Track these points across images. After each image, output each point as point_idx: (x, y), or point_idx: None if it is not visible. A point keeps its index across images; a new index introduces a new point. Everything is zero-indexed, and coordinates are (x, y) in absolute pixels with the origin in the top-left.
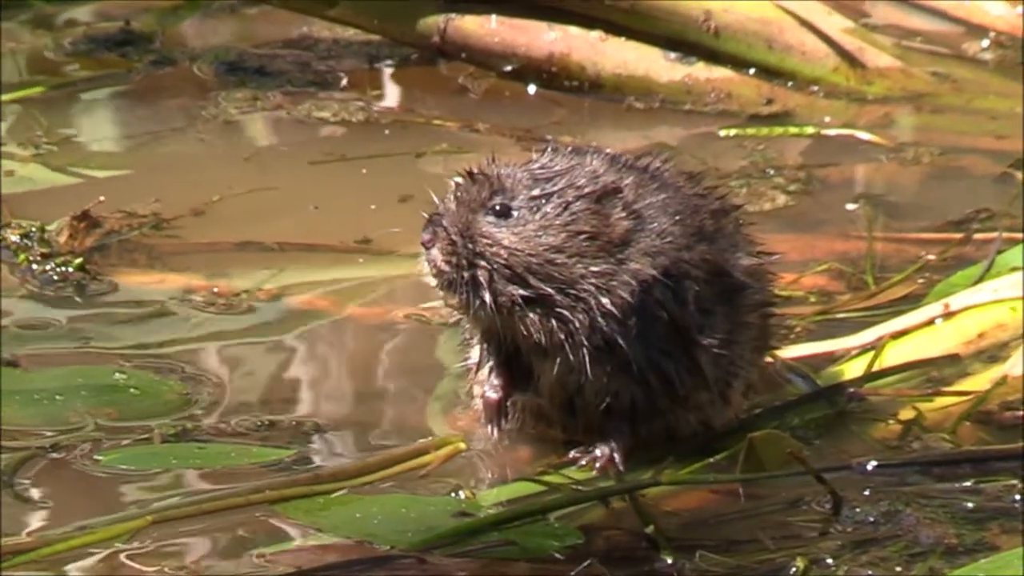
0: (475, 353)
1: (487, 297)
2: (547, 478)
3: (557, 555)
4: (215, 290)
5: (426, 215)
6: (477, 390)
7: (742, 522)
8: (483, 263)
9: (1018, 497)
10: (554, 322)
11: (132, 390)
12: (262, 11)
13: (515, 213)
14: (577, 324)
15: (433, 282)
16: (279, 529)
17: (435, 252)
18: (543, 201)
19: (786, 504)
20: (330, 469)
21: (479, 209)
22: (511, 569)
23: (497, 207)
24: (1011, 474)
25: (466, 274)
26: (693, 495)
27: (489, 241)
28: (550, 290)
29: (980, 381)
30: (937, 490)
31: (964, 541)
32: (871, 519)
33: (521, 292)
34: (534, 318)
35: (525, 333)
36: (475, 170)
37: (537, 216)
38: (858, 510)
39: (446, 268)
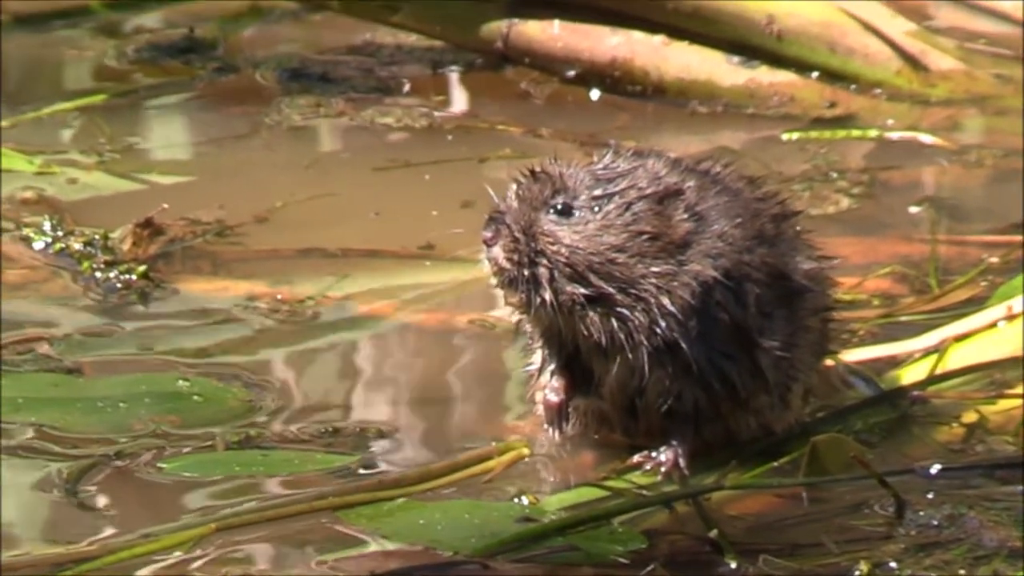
0: (537, 358)
1: (548, 295)
2: (610, 483)
3: (621, 560)
4: (279, 297)
5: (488, 215)
6: (539, 396)
7: (805, 526)
8: (544, 261)
9: None
10: (615, 322)
11: (196, 397)
12: (325, 17)
13: (577, 212)
14: (637, 324)
15: (494, 280)
16: (343, 535)
17: (496, 250)
18: (605, 201)
19: (849, 508)
20: (393, 475)
21: (541, 207)
22: (575, 573)
23: (559, 206)
24: None
25: (527, 272)
26: (756, 499)
27: (551, 239)
28: (611, 289)
29: None
30: (1001, 493)
31: None
32: (935, 522)
33: (582, 291)
34: (595, 317)
35: (586, 333)
36: (537, 169)
37: (599, 215)
38: (921, 513)
39: (507, 265)
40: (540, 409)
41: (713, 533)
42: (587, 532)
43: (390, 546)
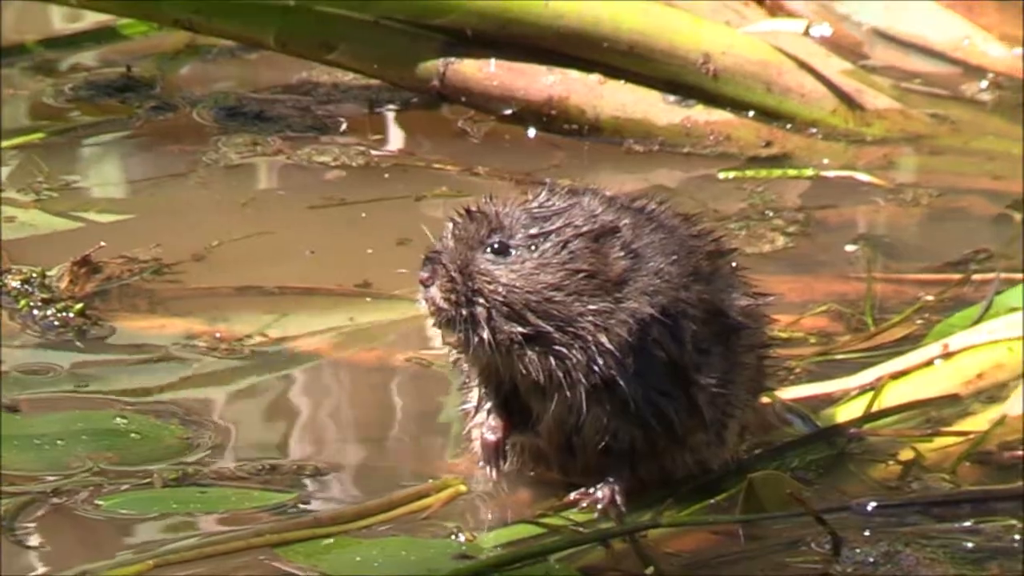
0: (474, 395)
1: (486, 335)
2: (547, 520)
3: None
4: (217, 335)
5: (424, 254)
6: (476, 433)
7: (742, 563)
8: (482, 300)
9: (1017, 537)
10: (552, 360)
11: (133, 434)
12: (261, 56)
13: (514, 251)
14: (575, 362)
15: (432, 320)
16: (281, 572)
17: (434, 290)
18: (541, 239)
19: (786, 545)
20: (331, 512)
21: (477, 247)
22: None
23: (495, 245)
24: (1010, 514)
25: (464, 311)
26: (693, 536)
27: (488, 278)
28: (549, 328)
29: (979, 421)
30: (937, 530)
31: None
32: (871, 559)
33: (519, 330)
34: (532, 356)
35: (524, 372)
36: (473, 208)
37: (535, 254)
38: (858, 551)
39: (444, 305)
40: (477, 447)
41: (649, 571)
42: (524, 570)
43: None
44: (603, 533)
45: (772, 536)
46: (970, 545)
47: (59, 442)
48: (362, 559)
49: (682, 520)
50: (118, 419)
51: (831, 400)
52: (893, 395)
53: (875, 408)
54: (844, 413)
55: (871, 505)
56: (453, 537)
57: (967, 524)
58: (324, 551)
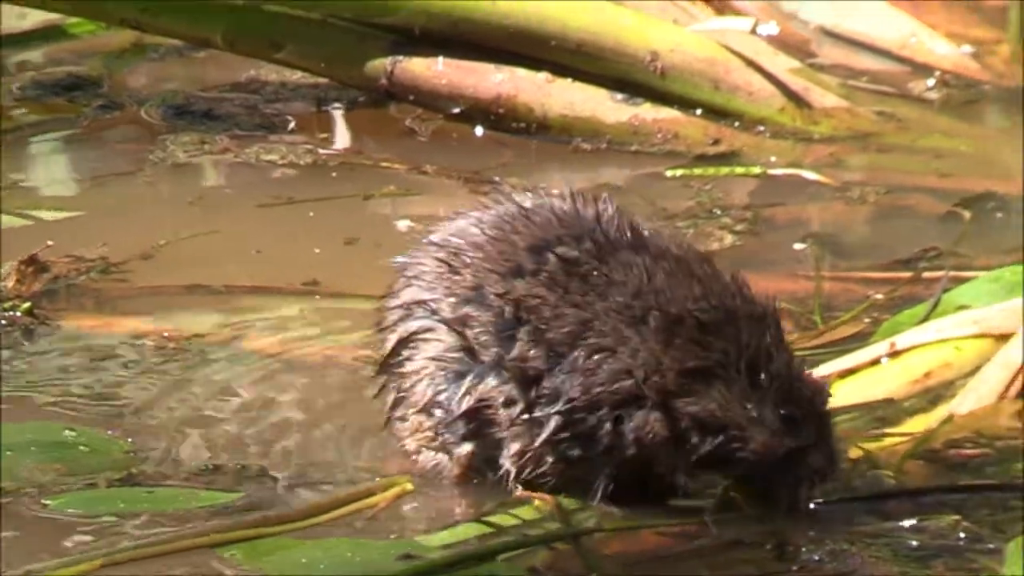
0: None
1: None
2: (494, 519)
3: None
4: (164, 334)
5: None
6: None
7: (687, 563)
8: None
9: (962, 535)
10: None
11: (82, 447)
12: (209, 55)
13: None
14: None
15: None
16: (224, 573)
17: None
18: None
19: (731, 545)
20: (277, 512)
21: None
22: None
23: None
24: (954, 512)
25: None
26: (639, 536)
27: None
28: None
29: (926, 420)
30: (882, 528)
31: None
32: (816, 558)
33: None
34: None
35: None
36: None
37: None
38: (803, 549)
39: None
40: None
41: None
42: (470, 570)
43: None
44: (546, 536)
45: (717, 535)
46: (915, 543)
47: (8, 453)
48: (307, 560)
49: (624, 524)
50: (67, 432)
51: None
52: (841, 393)
53: None
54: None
55: (815, 503)
56: (399, 537)
57: (912, 522)
58: (268, 552)
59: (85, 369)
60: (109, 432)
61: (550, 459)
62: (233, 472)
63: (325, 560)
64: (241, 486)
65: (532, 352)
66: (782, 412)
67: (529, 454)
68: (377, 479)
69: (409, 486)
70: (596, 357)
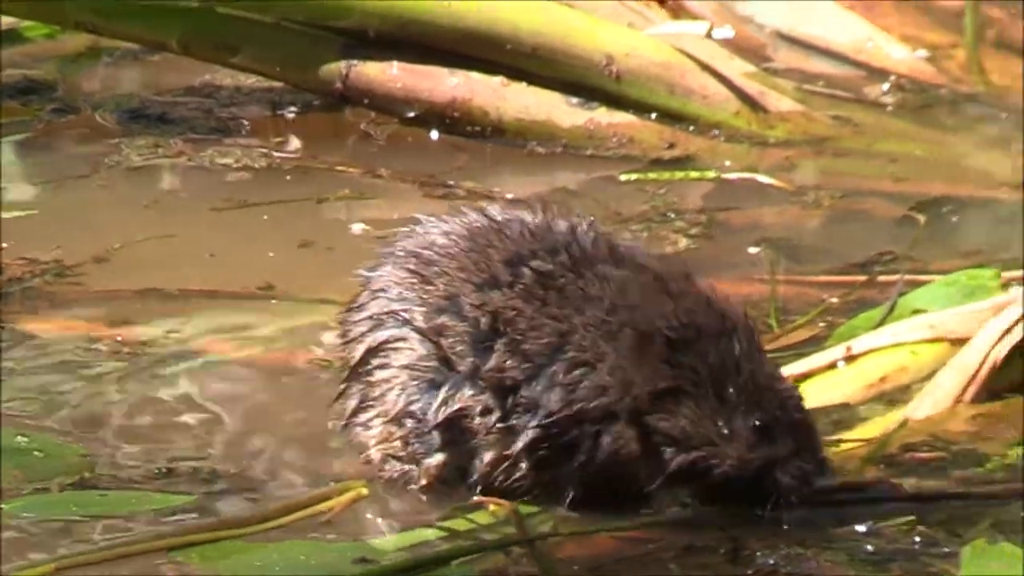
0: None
1: None
2: (451, 523)
3: None
4: (118, 338)
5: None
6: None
7: (642, 567)
8: None
9: (918, 539)
10: None
11: (36, 452)
12: (164, 59)
13: None
14: None
15: None
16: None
17: None
18: None
19: (686, 549)
20: (233, 515)
21: None
22: None
23: None
24: (910, 516)
25: None
26: (594, 541)
27: None
28: None
29: (882, 424)
30: (838, 534)
31: None
32: (771, 562)
33: None
34: None
35: None
36: None
37: None
38: (759, 554)
39: None
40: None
41: None
42: (424, 574)
43: None
44: (501, 541)
45: (672, 540)
46: (871, 548)
47: None
48: (262, 563)
49: (580, 530)
50: (19, 437)
51: None
52: None
53: None
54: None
55: (771, 508)
56: (355, 541)
57: (867, 527)
58: (223, 555)
59: (38, 373)
60: (62, 437)
61: (523, 468)
62: (187, 476)
63: (280, 563)
64: (195, 490)
65: (509, 363)
66: (755, 424)
67: (504, 463)
68: (332, 483)
69: (364, 491)
70: (576, 372)
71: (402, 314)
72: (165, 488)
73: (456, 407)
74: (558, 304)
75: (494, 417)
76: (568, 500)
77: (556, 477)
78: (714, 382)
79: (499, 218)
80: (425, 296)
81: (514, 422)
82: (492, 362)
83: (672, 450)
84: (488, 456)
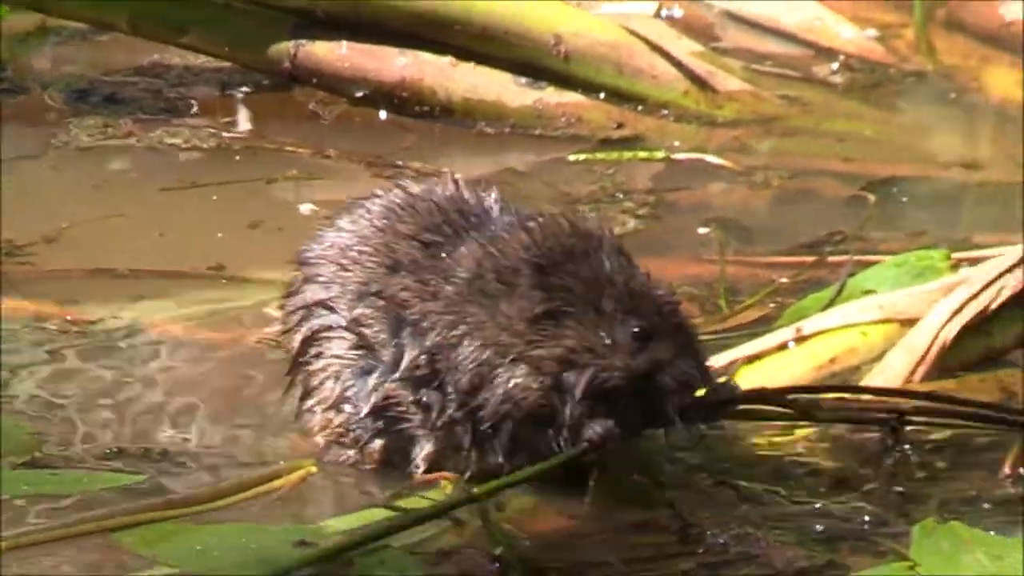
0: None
1: None
2: (400, 502)
3: None
4: (68, 317)
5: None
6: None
7: (594, 546)
8: None
9: (867, 519)
10: None
11: None
12: (113, 38)
13: None
14: None
15: None
16: (134, 557)
17: None
18: None
19: (638, 528)
20: (181, 496)
21: None
22: None
23: None
24: (859, 496)
25: None
26: (547, 518)
27: None
28: None
29: (832, 405)
30: (787, 513)
31: (815, 563)
32: (721, 541)
33: None
34: None
35: None
36: None
37: None
38: (708, 533)
39: None
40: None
41: (499, 551)
42: (363, 555)
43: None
44: (418, 514)
45: (624, 518)
46: (820, 527)
47: None
48: (202, 547)
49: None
50: None
51: None
52: (747, 379)
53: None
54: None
55: (721, 487)
56: (300, 521)
57: (817, 506)
58: (164, 538)
59: None
60: (13, 416)
61: (454, 445)
62: (137, 455)
63: (220, 547)
64: (145, 469)
65: (416, 351)
66: (634, 331)
67: (433, 442)
68: (282, 462)
69: (313, 469)
70: (465, 345)
71: (329, 303)
72: (116, 468)
73: (385, 395)
74: (435, 278)
75: (416, 398)
76: (504, 465)
77: (484, 445)
78: (590, 297)
79: (415, 192)
80: (345, 283)
81: (431, 400)
82: (406, 359)
83: (568, 373)
84: (422, 438)
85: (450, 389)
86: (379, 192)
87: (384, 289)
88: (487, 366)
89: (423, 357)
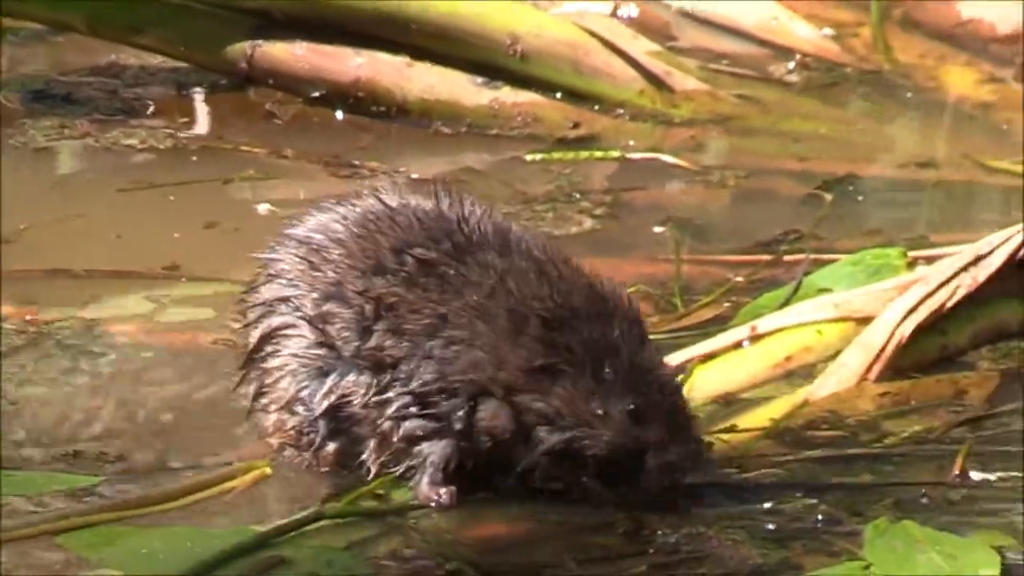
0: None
1: None
2: (342, 508)
3: None
4: (26, 318)
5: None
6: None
7: (544, 547)
8: None
9: (820, 517)
10: None
11: None
12: (69, 39)
13: None
14: None
15: None
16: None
17: None
18: None
19: (589, 528)
20: (134, 498)
21: None
22: None
23: None
24: (811, 494)
25: None
26: (499, 521)
27: None
28: None
29: (787, 403)
30: (738, 512)
31: (769, 561)
32: (672, 541)
33: None
34: None
35: None
36: None
37: None
38: (659, 532)
39: None
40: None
41: (452, 566)
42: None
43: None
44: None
45: (576, 519)
46: (772, 526)
47: None
48: (147, 550)
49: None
50: None
51: None
52: (702, 378)
53: (684, 391)
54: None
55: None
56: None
57: (768, 505)
58: (109, 541)
59: None
60: None
61: (403, 445)
62: (93, 457)
63: (165, 551)
64: (101, 471)
65: (388, 342)
66: (629, 407)
67: (384, 440)
68: (236, 463)
69: (268, 470)
70: (453, 348)
71: (293, 301)
72: (72, 469)
73: (339, 394)
74: (438, 290)
75: (372, 391)
76: (450, 478)
77: (420, 448)
78: (591, 363)
79: (393, 204)
80: (314, 283)
81: (389, 394)
82: (372, 341)
83: (546, 429)
84: (369, 435)
85: (402, 373)
86: (354, 200)
87: (368, 289)
88: (473, 385)
89: (390, 341)
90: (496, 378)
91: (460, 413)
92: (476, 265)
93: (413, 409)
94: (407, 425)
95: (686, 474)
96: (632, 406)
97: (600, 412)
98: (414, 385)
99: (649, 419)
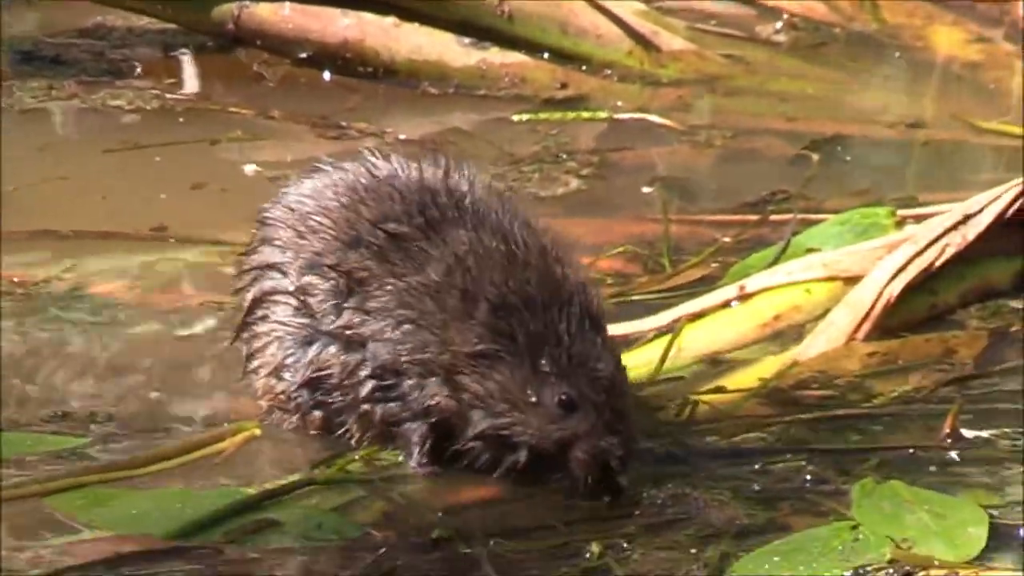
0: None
1: None
2: (328, 473)
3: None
4: (14, 279)
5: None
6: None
7: (528, 510)
8: None
9: (807, 477)
10: None
11: None
12: (57, 0)
13: None
14: None
15: None
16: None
17: None
18: None
19: (566, 491)
20: (123, 459)
21: None
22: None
23: None
24: (797, 455)
25: None
26: (482, 486)
27: None
28: None
29: (776, 363)
30: (723, 473)
31: (755, 521)
32: (659, 501)
33: None
34: None
35: None
36: None
37: None
38: (645, 494)
39: None
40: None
41: (435, 534)
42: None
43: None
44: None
45: (559, 481)
46: (758, 487)
47: None
48: (136, 511)
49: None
50: None
51: (627, 342)
52: (691, 337)
53: (672, 351)
54: (641, 355)
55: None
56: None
57: (756, 466)
58: (99, 503)
59: None
60: None
61: (375, 421)
62: (82, 418)
63: (155, 512)
64: (91, 432)
65: (357, 319)
66: (561, 398)
67: (359, 415)
68: (226, 424)
69: (257, 431)
70: (404, 328)
71: (281, 267)
72: (62, 430)
73: (318, 367)
74: (403, 265)
75: (347, 371)
76: (413, 453)
77: (401, 429)
78: (531, 351)
79: (381, 174)
80: (299, 251)
81: (361, 374)
82: (343, 318)
83: (481, 412)
84: (350, 410)
85: (369, 353)
86: (346, 165)
87: (340, 263)
88: (421, 365)
89: (358, 318)
90: (441, 357)
91: (415, 392)
92: (441, 242)
93: (379, 394)
94: (383, 409)
95: (620, 466)
96: (563, 396)
97: (533, 400)
98: (374, 367)
99: (582, 409)
